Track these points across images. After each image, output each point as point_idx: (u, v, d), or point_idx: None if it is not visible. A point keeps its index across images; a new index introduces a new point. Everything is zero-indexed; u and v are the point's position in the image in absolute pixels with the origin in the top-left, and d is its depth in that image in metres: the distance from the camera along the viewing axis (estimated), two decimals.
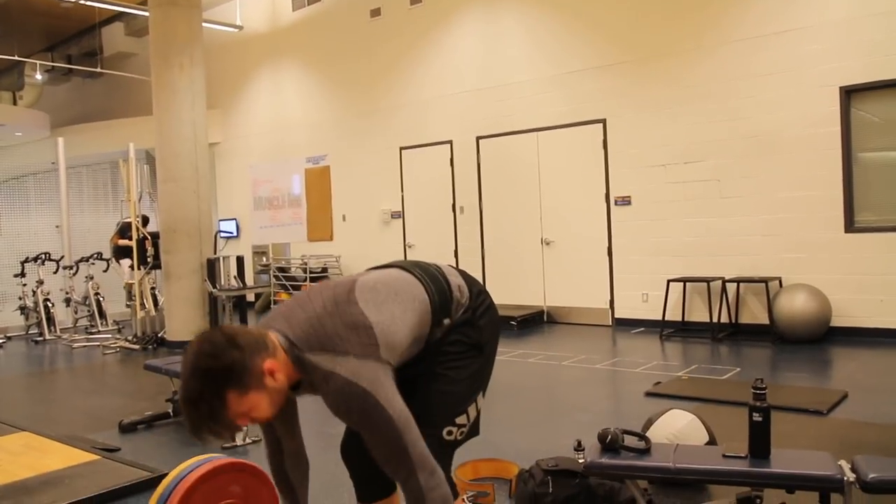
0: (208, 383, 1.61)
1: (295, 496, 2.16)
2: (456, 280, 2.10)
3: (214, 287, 7.87)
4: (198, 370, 1.62)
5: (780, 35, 7.02)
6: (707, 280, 7.29)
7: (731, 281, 7.26)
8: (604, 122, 8.23)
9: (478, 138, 9.37)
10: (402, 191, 10.26)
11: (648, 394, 5.08)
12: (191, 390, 1.63)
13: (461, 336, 2.02)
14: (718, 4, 7.39)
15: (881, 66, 6.52)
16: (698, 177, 7.57)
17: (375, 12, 10.51)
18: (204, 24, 8.57)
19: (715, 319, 7.28)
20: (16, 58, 13.51)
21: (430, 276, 2.05)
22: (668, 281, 7.51)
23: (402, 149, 10.22)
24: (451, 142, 9.66)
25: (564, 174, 8.59)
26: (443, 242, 9.76)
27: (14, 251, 10.93)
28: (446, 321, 2.00)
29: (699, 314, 7.57)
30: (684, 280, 7.46)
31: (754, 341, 6.93)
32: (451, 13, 9.57)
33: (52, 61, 15.25)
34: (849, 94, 6.73)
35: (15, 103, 15.33)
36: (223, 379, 1.62)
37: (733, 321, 7.38)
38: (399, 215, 10.28)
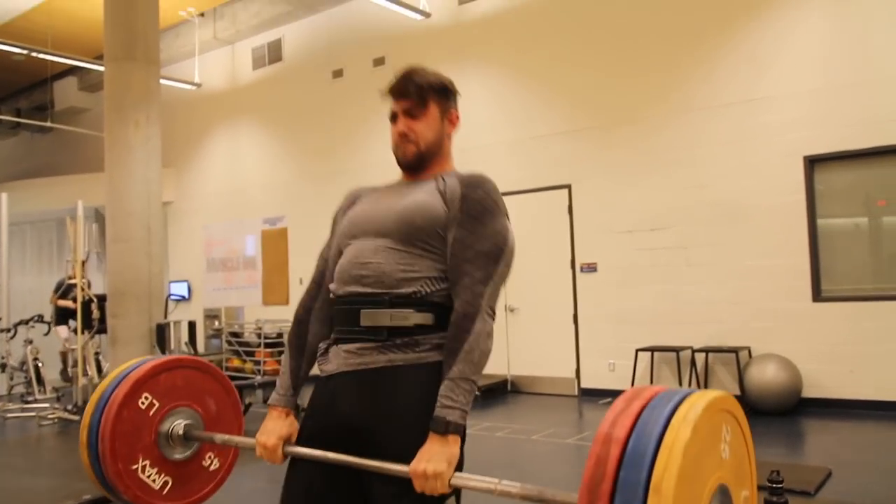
0: (437, 74, 1.98)
1: (300, 358, 2.00)
2: None
3: (164, 353, 7.44)
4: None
5: (745, 104, 7.09)
6: (676, 349, 7.15)
7: (700, 350, 7.14)
8: (569, 187, 8.17)
9: None
10: None
11: None
12: (424, 68, 1.99)
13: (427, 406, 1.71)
14: (683, 72, 7.46)
15: (844, 137, 6.60)
16: (665, 244, 7.50)
17: (338, 73, 10.42)
18: (161, 81, 8.32)
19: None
20: None
21: None
22: (637, 350, 7.35)
23: None
24: None
25: (529, 240, 8.44)
26: None
27: None
28: (430, 319, 1.83)
29: (668, 384, 7.40)
30: (653, 349, 7.31)
31: None
32: None
33: (0, 114, 14.78)
34: (812, 164, 6.78)
35: None
36: (441, 82, 1.98)
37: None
38: None
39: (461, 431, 1.67)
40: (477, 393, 6.38)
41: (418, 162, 1.96)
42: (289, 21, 10.90)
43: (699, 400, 1.36)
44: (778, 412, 6.53)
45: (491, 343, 1.74)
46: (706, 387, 7.20)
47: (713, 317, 7.18)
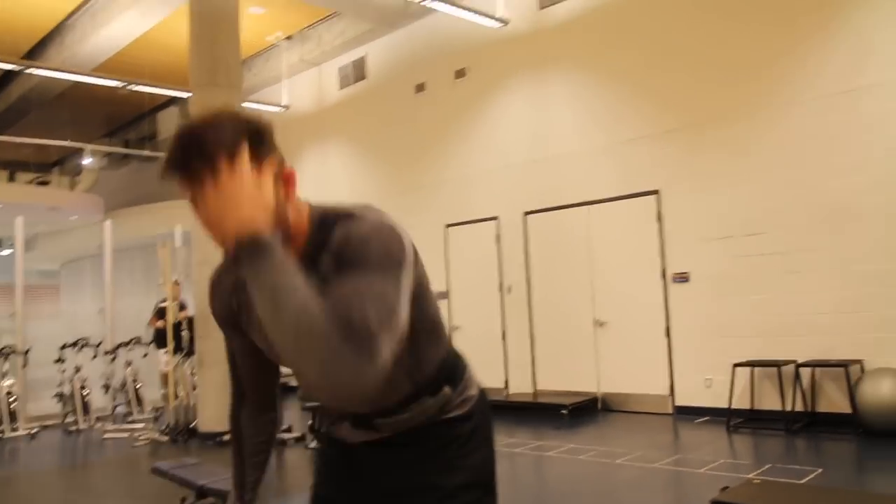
0: (232, 118, 1.23)
1: (239, 446, 1.68)
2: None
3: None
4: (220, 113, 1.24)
5: (847, 94, 6.49)
6: (777, 364, 6.59)
7: (804, 365, 6.54)
8: (657, 193, 7.74)
9: (525, 213, 8.96)
10: (447, 270, 9.86)
11: (715, 503, 4.41)
12: (207, 118, 1.23)
13: (467, 467, 1.55)
14: (776, 63, 6.92)
15: None
16: (763, 250, 6.96)
17: (420, 87, 10.36)
18: (249, 105, 8.49)
19: (788, 408, 6.54)
20: (67, 142, 13.83)
21: None
22: (734, 365, 6.82)
23: (447, 226, 9.87)
24: (497, 218, 9.26)
25: (617, 250, 8.07)
26: (490, 324, 9.24)
27: (72, 333, 10.81)
28: (446, 388, 1.55)
29: (770, 402, 6.83)
30: (752, 364, 6.77)
31: (835, 433, 6.16)
32: (497, 86, 9.32)
33: (111, 146, 15.63)
34: None
35: (72, 188, 15.67)
36: (247, 124, 1.23)
37: (809, 410, 6.61)
38: (445, 296, 9.85)
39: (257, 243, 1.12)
40: (564, 412, 5.93)
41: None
42: (371, 39, 10.95)
43: None
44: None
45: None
46: (813, 405, 6.59)
47: (819, 328, 6.57)
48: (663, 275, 7.66)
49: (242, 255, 1.13)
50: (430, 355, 1.54)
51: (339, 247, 1.29)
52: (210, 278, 1.57)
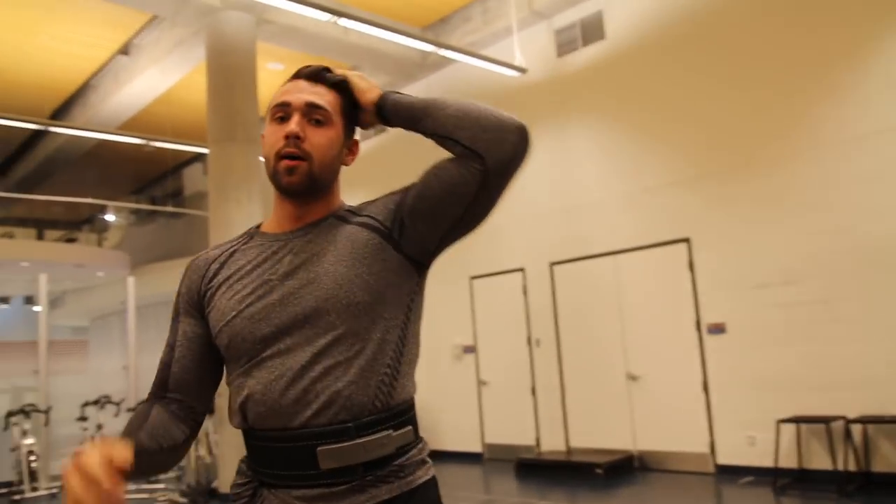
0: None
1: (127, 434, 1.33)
2: None
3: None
4: None
5: (886, 133, 6.18)
6: (826, 420, 6.16)
7: (855, 421, 6.11)
8: (688, 240, 7.43)
9: (551, 264, 8.68)
10: (473, 323, 9.57)
11: None
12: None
13: None
14: (809, 102, 6.65)
15: None
16: (803, 298, 6.59)
17: None
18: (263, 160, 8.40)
19: (840, 468, 6.10)
20: (89, 199, 13.94)
21: None
22: (778, 421, 6.41)
23: (472, 278, 9.62)
24: (523, 269, 9.00)
25: (648, 300, 7.74)
26: (519, 379, 8.89)
27: (97, 389, 10.67)
28: (410, 429, 1.37)
29: (819, 461, 6.38)
30: (797, 420, 6.35)
31: (893, 495, 5.70)
32: None
33: (139, 203, 15.72)
34: None
35: (100, 244, 15.75)
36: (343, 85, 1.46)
37: (863, 470, 6.16)
38: (472, 349, 9.54)
39: (387, 103, 1.44)
40: (598, 471, 5.56)
41: (308, 188, 1.39)
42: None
43: None
44: None
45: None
46: (867, 464, 6.14)
47: (869, 381, 6.15)
48: (698, 326, 7.31)
49: (387, 109, 1.43)
50: (406, 384, 1.37)
51: (380, 204, 1.49)
52: (190, 260, 1.52)
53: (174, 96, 10.68)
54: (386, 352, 1.34)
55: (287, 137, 1.36)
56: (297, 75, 1.44)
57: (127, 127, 11.33)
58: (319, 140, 1.39)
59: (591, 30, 8.45)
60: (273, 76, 10.63)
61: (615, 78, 8.21)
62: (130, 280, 10.87)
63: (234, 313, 1.36)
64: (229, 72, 8.00)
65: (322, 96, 1.41)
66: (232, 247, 1.48)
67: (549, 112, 8.73)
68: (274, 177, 1.38)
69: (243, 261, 1.42)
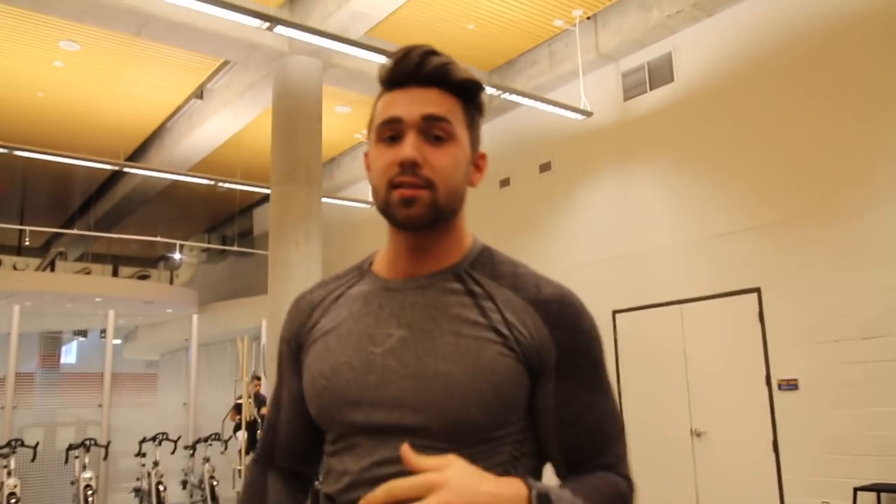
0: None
1: None
2: None
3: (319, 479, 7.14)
4: None
5: None
6: None
7: None
8: (758, 290, 7.08)
9: (614, 312, 8.41)
10: None
11: None
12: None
13: None
14: (889, 145, 6.30)
15: None
16: (882, 355, 6.15)
17: (505, 182, 10.15)
18: (326, 201, 8.49)
19: None
20: (158, 238, 14.36)
21: None
22: (856, 489, 5.95)
23: None
24: None
25: (715, 352, 7.38)
26: None
27: (159, 424, 10.81)
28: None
29: None
30: (878, 489, 5.87)
31: None
32: (583, 178, 8.98)
33: (211, 242, 16.13)
34: None
35: (172, 282, 16.18)
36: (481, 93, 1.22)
37: None
38: None
39: None
40: None
41: (432, 220, 1.15)
42: None
43: None
44: None
45: None
46: None
47: None
48: (768, 381, 6.91)
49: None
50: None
51: (554, 308, 1.17)
52: (294, 301, 1.33)
53: (244, 138, 10.96)
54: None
55: (402, 165, 1.11)
56: (405, 72, 1.15)
57: (199, 168, 11.68)
58: (443, 162, 1.13)
59: (660, 72, 8.29)
60: (342, 119, 10.82)
61: (683, 120, 8.00)
62: (195, 318, 11.06)
63: (324, 383, 1.18)
64: (294, 115, 8.14)
65: (440, 104, 1.14)
66: (339, 287, 1.28)
67: (615, 156, 8.56)
68: (386, 210, 1.14)
69: (346, 313, 1.22)
